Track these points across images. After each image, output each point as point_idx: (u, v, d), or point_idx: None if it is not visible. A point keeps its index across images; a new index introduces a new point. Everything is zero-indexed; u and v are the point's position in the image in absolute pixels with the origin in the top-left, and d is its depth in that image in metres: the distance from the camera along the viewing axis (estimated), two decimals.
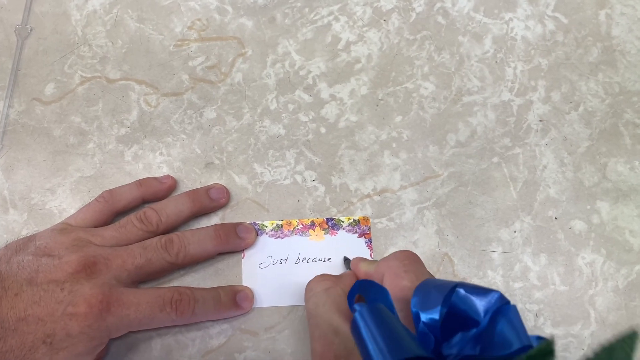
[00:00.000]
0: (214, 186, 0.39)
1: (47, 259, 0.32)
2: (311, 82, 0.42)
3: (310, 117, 0.41)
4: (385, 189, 0.39)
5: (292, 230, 0.38)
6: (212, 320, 0.36)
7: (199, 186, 0.39)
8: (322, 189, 0.39)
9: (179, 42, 0.44)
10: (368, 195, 0.39)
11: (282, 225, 0.38)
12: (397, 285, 0.28)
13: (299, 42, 0.44)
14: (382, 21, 0.44)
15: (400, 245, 0.38)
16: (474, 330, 0.24)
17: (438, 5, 0.45)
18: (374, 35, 0.44)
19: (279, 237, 0.38)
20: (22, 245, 0.33)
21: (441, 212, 0.39)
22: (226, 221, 0.39)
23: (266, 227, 0.38)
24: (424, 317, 0.24)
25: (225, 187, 0.39)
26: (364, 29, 0.44)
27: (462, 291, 0.25)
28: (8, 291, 0.30)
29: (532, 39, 0.44)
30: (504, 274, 0.37)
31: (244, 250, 0.38)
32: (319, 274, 0.34)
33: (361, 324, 0.23)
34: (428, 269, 0.30)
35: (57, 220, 0.38)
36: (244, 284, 0.37)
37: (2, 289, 0.30)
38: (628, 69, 0.43)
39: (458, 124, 0.41)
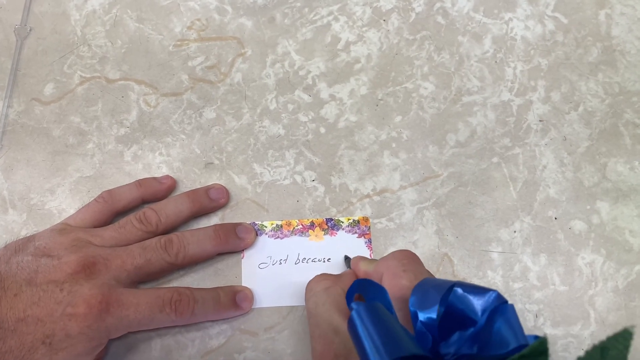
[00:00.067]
0: (213, 186, 0.39)
1: (47, 259, 0.32)
2: (311, 82, 0.42)
3: (310, 117, 0.41)
4: (384, 189, 0.39)
5: (292, 231, 0.38)
6: (212, 321, 0.36)
7: (199, 186, 0.39)
8: (321, 189, 0.39)
9: (178, 42, 0.44)
10: (368, 196, 0.39)
11: (281, 226, 0.38)
12: (396, 285, 0.28)
13: (299, 42, 0.44)
14: (382, 21, 0.44)
15: (400, 245, 0.38)
16: (471, 330, 0.24)
17: (438, 5, 0.45)
18: (374, 35, 0.44)
19: (278, 237, 0.38)
20: (21, 245, 0.33)
21: (441, 212, 0.39)
22: (226, 221, 0.38)
23: (266, 227, 0.38)
24: (421, 316, 0.24)
25: (224, 188, 0.39)
26: (364, 29, 0.44)
27: (459, 290, 0.25)
28: (7, 292, 0.30)
29: (531, 39, 0.44)
30: (503, 274, 0.37)
31: (243, 250, 0.38)
32: (319, 274, 0.34)
33: (358, 323, 0.23)
34: (428, 269, 0.30)
35: (57, 220, 0.38)
36: (243, 284, 0.37)
37: (2, 289, 0.30)
38: (628, 69, 0.43)
39: (458, 124, 0.41)
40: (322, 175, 0.40)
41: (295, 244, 0.38)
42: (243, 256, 0.38)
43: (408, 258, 0.29)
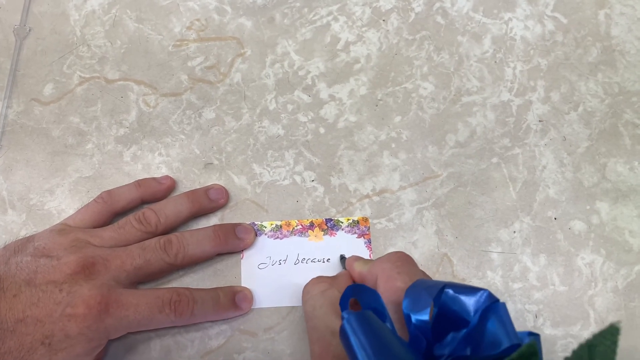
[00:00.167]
0: (213, 187, 0.39)
1: (46, 259, 0.32)
2: (310, 83, 0.42)
3: (310, 118, 0.41)
4: (384, 189, 0.39)
5: (291, 231, 0.38)
6: (211, 321, 0.36)
7: (198, 187, 0.39)
8: (321, 189, 0.39)
9: (177, 43, 0.43)
10: (367, 196, 0.39)
11: (281, 226, 0.38)
12: (391, 288, 0.28)
13: (298, 42, 0.44)
14: (381, 21, 0.44)
15: (399, 245, 0.38)
16: (464, 330, 0.24)
17: (437, 5, 0.45)
18: (373, 36, 0.44)
19: (278, 237, 0.38)
20: (20, 246, 0.33)
21: (440, 213, 0.39)
22: (225, 222, 0.38)
23: (265, 227, 0.38)
24: (414, 318, 0.24)
25: (224, 188, 0.39)
26: (363, 29, 0.44)
27: (450, 291, 0.25)
28: (6, 292, 0.30)
29: (531, 39, 0.44)
30: (503, 275, 0.37)
31: (243, 250, 0.38)
32: (317, 275, 0.34)
33: (349, 332, 0.23)
34: (427, 270, 0.30)
35: (56, 220, 0.38)
36: (243, 284, 0.37)
37: (1, 290, 0.30)
38: (627, 69, 0.43)
39: (457, 124, 0.41)
40: (321, 176, 0.40)
41: (295, 245, 0.38)
42: (242, 256, 0.38)
43: (402, 260, 0.29)
